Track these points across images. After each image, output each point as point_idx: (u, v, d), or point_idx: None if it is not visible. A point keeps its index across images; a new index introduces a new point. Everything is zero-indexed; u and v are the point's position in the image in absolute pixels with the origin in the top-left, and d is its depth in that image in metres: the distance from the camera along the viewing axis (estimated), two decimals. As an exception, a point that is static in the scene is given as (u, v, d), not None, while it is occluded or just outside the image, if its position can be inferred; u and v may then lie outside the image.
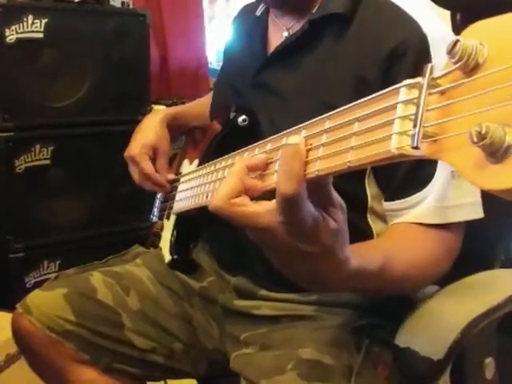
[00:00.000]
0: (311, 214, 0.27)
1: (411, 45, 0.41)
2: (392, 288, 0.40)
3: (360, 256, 0.34)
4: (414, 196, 0.42)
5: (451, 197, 0.42)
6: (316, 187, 0.28)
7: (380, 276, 0.36)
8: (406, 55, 0.41)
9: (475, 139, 0.18)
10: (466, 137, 0.19)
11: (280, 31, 0.52)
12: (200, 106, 0.70)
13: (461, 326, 0.41)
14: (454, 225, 0.42)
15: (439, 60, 0.42)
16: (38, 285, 0.63)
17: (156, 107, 1.30)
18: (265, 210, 0.28)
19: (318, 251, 0.29)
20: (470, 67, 0.20)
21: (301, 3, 0.49)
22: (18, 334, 0.57)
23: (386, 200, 0.45)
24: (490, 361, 0.43)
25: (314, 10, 0.48)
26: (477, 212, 0.43)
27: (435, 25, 0.44)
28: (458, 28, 0.54)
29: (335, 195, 0.29)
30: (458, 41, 0.20)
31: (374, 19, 0.44)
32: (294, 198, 0.26)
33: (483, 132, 0.18)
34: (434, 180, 0.41)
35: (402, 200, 0.43)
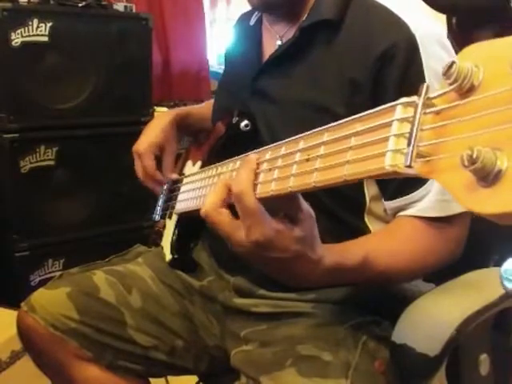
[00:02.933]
0: (271, 225, 0.32)
1: (400, 48, 0.42)
2: (380, 279, 0.42)
3: (338, 253, 0.38)
4: (416, 192, 0.43)
5: None
6: (285, 199, 0.31)
7: (363, 269, 0.39)
8: (395, 58, 0.42)
9: (466, 163, 0.18)
10: (458, 159, 0.19)
11: (273, 39, 0.53)
12: (205, 108, 0.71)
13: (456, 323, 0.41)
14: (457, 216, 0.43)
15: (431, 57, 0.43)
16: (42, 283, 0.64)
17: (158, 109, 1.31)
18: (237, 226, 0.33)
19: (287, 256, 0.33)
20: (465, 89, 0.20)
21: (290, 9, 0.50)
22: (22, 331, 0.58)
23: (389, 199, 0.45)
24: (484, 357, 0.44)
25: (304, 18, 0.49)
26: None
27: (424, 22, 0.44)
28: (453, 32, 0.54)
29: (304, 204, 0.33)
30: (453, 62, 0.20)
31: (362, 23, 0.45)
32: (241, 194, 0.32)
33: (474, 156, 0.18)
34: None
35: (406, 197, 0.44)
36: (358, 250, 0.40)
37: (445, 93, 0.21)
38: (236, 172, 0.34)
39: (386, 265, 0.41)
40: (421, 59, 0.41)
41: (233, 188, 0.33)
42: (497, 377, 0.45)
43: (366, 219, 0.48)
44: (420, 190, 0.43)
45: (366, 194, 0.47)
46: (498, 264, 0.51)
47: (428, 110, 0.22)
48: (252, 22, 0.58)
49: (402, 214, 0.45)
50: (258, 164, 0.33)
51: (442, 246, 0.44)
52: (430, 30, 0.43)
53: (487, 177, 0.18)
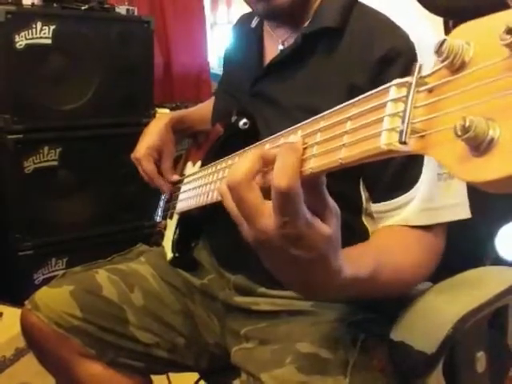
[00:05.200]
0: (305, 217, 0.27)
1: (400, 52, 0.43)
2: (378, 293, 0.41)
3: (353, 264, 0.33)
4: (401, 198, 0.43)
5: (437, 198, 0.43)
6: (310, 189, 0.28)
7: (371, 282, 0.36)
8: (394, 62, 0.43)
9: (459, 132, 0.18)
10: (452, 131, 0.19)
11: (275, 44, 0.54)
12: (203, 109, 0.72)
13: (453, 321, 0.42)
14: (438, 227, 0.43)
15: (429, 64, 0.43)
16: (46, 281, 0.65)
17: (160, 110, 1.33)
18: (268, 211, 0.27)
19: (310, 257, 0.28)
20: (456, 66, 0.20)
21: (293, 15, 0.51)
22: (26, 329, 0.58)
23: (373, 202, 0.46)
24: (481, 355, 0.44)
25: (307, 24, 0.50)
26: (464, 212, 0.43)
27: (423, 31, 0.45)
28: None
29: (330, 200, 0.29)
30: (444, 40, 0.20)
31: (364, 30, 0.46)
32: (288, 193, 0.26)
33: (467, 125, 0.18)
34: (419, 182, 0.42)
35: (389, 202, 0.44)
36: (369, 262, 0.36)
37: (437, 70, 0.21)
38: (279, 160, 0.26)
39: (389, 279, 0.39)
40: None
41: (278, 181, 0.26)
42: (493, 374, 0.46)
43: (364, 219, 0.48)
44: (406, 195, 0.43)
45: (362, 195, 0.47)
46: (495, 263, 0.52)
47: (421, 89, 0.22)
48: (253, 24, 0.58)
49: (388, 223, 0.44)
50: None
51: (428, 259, 0.43)
52: (428, 39, 0.44)
53: (480, 146, 0.18)
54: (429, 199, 0.43)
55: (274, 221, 0.27)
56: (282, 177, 0.26)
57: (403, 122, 0.22)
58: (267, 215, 0.27)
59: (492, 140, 0.18)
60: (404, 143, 0.22)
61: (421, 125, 0.22)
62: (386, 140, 0.23)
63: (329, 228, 0.28)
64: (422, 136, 0.22)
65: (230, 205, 0.29)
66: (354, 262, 0.34)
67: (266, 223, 0.28)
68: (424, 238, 0.43)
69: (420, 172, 0.42)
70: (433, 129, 0.21)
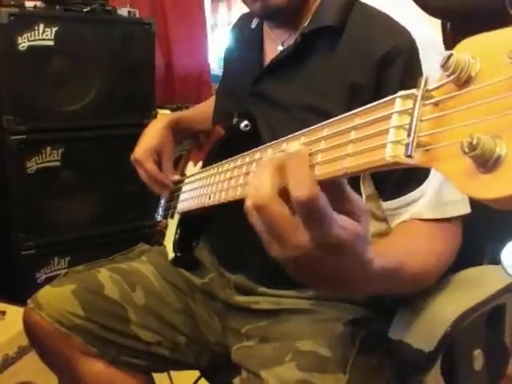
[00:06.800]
0: (336, 221, 0.26)
1: (401, 50, 0.43)
2: (405, 285, 0.40)
3: (381, 256, 0.33)
4: (412, 193, 0.44)
5: (447, 193, 0.43)
6: (332, 191, 0.27)
7: (397, 275, 0.36)
8: (396, 61, 0.43)
9: (466, 149, 0.19)
10: (458, 147, 0.19)
11: (275, 44, 0.54)
12: (201, 110, 0.72)
13: (451, 320, 0.42)
14: (453, 219, 0.44)
15: (428, 63, 0.43)
16: (48, 280, 0.66)
17: (161, 111, 1.33)
18: (301, 225, 0.26)
19: (347, 258, 0.27)
20: (462, 80, 0.20)
21: (291, 16, 0.51)
22: (29, 327, 0.59)
23: (385, 200, 0.46)
24: (478, 352, 0.45)
25: (306, 23, 0.50)
26: (467, 207, 0.44)
27: (423, 28, 0.45)
28: (448, 36, 0.55)
29: (356, 197, 0.28)
30: (451, 55, 0.20)
31: (363, 28, 0.46)
32: (311, 202, 0.25)
33: (474, 143, 0.18)
34: (429, 178, 0.43)
35: (402, 198, 0.44)
36: (395, 254, 0.37)
37: (443, 84, 0.21)
38: (292, 171, 0.26)
39: (414, 271, 0.39)
40: (420, 63, 0.42)
41: (298, 193, 0.25)
42: (490, 371, 0.46)
43: None
44: (415, 191, 0.44)
45: (362, 194, 0.47)
46: (493, 262, 0.52)
47: (427, 102, 0.22)
48: (253, 24, 0.59)
49: (400, 219, 0.45)
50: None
51: (446, 249, 0.44)
52: (428, 35, 0.45)
53: (487, 163, 0.18)
54: (438, 194, 0.43)
55: (309, 233, 0.26)
56: (300, 188, 0.25)
57: (409, 135, 0.22)
58: (301, 230, 0.26)
59: (499, 157, 0.18)
60: (410, 156, 0.22)
61: (426, 138, 0.22)
62: (391, 152, 0.23)
63: (360, 225, 0.27)
64: (428, 149, 0.22)
65: (259, 226, 0.28)
66: (381, 254, 0.33)
67: (302, 239, 0.26)
68: (440, 230, 0.43)
69: (429, 168, 0.43)
70: (439, 143, 0.21)
